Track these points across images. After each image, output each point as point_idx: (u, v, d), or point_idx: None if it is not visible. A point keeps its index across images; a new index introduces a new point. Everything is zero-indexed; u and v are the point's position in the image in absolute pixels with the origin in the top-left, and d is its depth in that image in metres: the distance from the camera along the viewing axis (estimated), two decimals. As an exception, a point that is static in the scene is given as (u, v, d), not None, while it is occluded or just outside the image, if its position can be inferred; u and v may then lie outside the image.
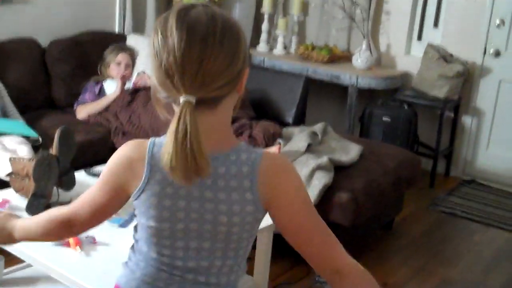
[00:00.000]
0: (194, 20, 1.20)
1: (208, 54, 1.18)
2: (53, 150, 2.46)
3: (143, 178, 1.27)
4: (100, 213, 1.39)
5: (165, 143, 1.19)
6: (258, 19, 5.32)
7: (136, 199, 1.29)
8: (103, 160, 3.11)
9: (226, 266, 1.35)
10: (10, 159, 2.54)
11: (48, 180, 2.40)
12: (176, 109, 1.21)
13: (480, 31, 4.58)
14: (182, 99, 1.18)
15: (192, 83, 1.18)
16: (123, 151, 1.32)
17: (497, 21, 4.52)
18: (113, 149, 3.75)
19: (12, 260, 2.53)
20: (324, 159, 3.08)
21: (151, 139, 1.30)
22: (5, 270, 2.60)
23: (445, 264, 3.42)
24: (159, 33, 1.21)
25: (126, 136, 3.65)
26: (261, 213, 1.31)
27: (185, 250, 1.32)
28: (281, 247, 2.66)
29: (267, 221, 2.36)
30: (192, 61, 1.17)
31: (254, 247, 2.71)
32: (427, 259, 3.45)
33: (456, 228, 3.93)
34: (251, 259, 2.89)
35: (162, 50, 1.19)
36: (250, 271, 2.70)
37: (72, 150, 2.52)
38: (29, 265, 2.64)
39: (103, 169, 1.36)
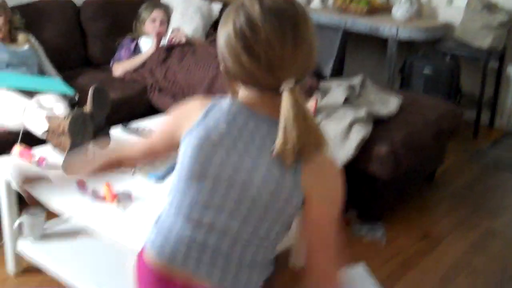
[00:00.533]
0: (278, 8, 1.23)
1: (300, 40, 1.23)
2: (87, 107, 2.47)
3: (196, 121, 1.32)
4: (151, 151, 1.50)
5: (284, 130, 1.22)
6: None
7: (183, 140, 1.34)
8: (140, 116, 3.16)
9: (252, 244, 1.33)
10: (46, 117, 2.56)
11: (83, 137, 2.41)
12: (262, 93, 1.28)
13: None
14: (286, 86, 1.22)
15: (291, 70, 1.22)
16: (187, 103, 1.39)
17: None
18: (149, 106, 3.77)
19: (52, 213, 2.58)
20: (361, 112, 3.02)
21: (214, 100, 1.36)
22: (46, 225, 2.65)
23: (488, 216, 3.34)
24: (244, 25, 1.22)
25: (162, 92, 3.64)
26: (298, 197, 1.29)
27: (210, 205, 1.32)
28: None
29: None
30: (288, 50, 1.21)
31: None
32: (470, 211, 3.38)
33: (499, 180, 3.84)
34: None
35: (254, 44, 1.21)
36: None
37: (106, 107, 2.52)
38: (69, 219, 2.70)
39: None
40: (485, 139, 4.43)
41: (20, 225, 2.56)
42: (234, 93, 1.34)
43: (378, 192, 3.09)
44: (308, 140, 1.23)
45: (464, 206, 3.44)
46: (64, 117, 2.50)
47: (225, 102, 1.32)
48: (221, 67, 1.31)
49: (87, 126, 2.40)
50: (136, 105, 3.56)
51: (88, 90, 3.46)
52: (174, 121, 1.40)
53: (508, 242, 3.10)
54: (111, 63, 3.95)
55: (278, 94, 1.23)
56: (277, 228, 1.32)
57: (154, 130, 1.51)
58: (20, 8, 3.67)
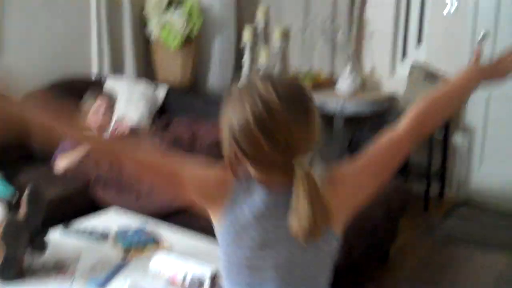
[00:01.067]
0: (293, 94, 1.36)
1: (312, 122, 1.37)
2: (22, 212, 2.35)
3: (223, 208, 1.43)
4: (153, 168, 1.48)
5: (298, 207, 1.32)
6: (238, 52, 5.24)
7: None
8: (81, 214, 3.02)
9: None
10: (-21, 224, 2.43)
11: (19, 244, 2.29)
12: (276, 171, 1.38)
13: (464, 45, 4.49)
14: (298, 162, 1.33)
15: (304, 149, 1.35)
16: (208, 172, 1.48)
17: (481, 34, 4.43)
18: (91, 203, 3.60)
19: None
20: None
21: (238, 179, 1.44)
22: None
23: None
24: (264, 113, 1.31)
25: (107, 186, 3.53)
26: (336, 240, 1.55)
27: None
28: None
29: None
30: (304, 133, 1.35)
31: None
32: (426, 291, 3.34)
33: (454, 253, 3.82)
34: None
35: (274, 130, 1.31)
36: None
37: (42, 209, 2.41)
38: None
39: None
40: (436, 210, 4.44)
41: None
42: (236, 175, 1.42)
43: (332, 282, 3.00)
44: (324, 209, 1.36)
45: (421, 286, 3.38)
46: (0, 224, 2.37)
47: (256, 193, 1.41)
48: (228, 150, 1.38)
49: (22, 232, 2.28)
50: (79, 202, 3.44)
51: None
52: (192, 180, 1.45)
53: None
54: (53, 157, 3.80)
55: (287, 170, 1.34)
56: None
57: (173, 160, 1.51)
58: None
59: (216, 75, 5.12)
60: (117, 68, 4.73)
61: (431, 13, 4.63)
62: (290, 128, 1.31)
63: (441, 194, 4.69)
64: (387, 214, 3.24)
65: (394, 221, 3.43)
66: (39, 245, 2.41)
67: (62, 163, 3.73)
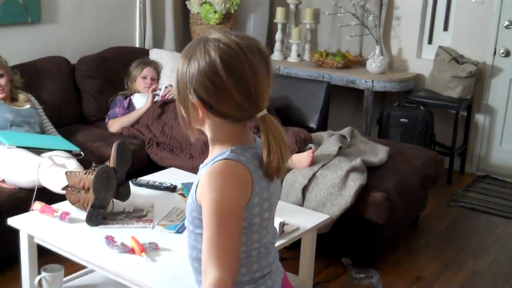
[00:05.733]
0: (252, 44, 1.39)
1: (271, 72, 1.42)
2: (111, 163, 2.59)
3: (252, 191, 1.41)
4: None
5: (268, 152, 1.41)
6: (271, 29, 5.48)
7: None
8: (139, 171, 3.26)
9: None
10: (66, 173, 2.67)
11: (106, 192, 2.52)
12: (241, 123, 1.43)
13: (489, 32, 4.74)
14: (262, 114, 1.40)
15: (266, 99, 1.41)
16: (232, 186, 1.37)
17: (506, 22, 4.69)
18: (148, 160, 3.84)
19: (71, 266, 2.66)
20: (357, 161, 3.23)
21: (235, 158, 1.40)
22: (65, 278, 2.73)
23: (472, 257, 3.56)
24: (233, 61, 1.35)
25: (160, 147, 3.78)
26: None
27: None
28: (318, 246, 2.82)
29: (312, 221, 2.49)
30: (267, 81, 1.40)
31: (297, 247, 2.85)
32: (454, 253, 3.60)
33: (478, 222, 4.08)
34: (287, 259, 3.06)
35: (244, 76, 1.35)
36: (295, 271, 2.85)
37: (128, 163, 2.65)
38: (88, 272, 2.78)
39: (218, 207, 1.36)
40: (458, 183, 4.71)
41: (40, 281, 2.62)
42: (193, 130, 1.46)
43: (373, 238, 3.27)
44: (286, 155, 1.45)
45: (448, 249, 3.65)
46: (85, 173, 2.61)
47: (247, 154, 1.43)
48: (193, 100, 1.38)
49: (111, 182, 2.52)
50: (136, 159, 3.68)
51: (88, 146, 3.61)
52: (241, 202, 1.40)
53: (494, 282, 3.32)
54: (106, 120, 4.08)
55: (246, 123, 1.43)
56: None
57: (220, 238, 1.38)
58: (19, 67, 3.78)
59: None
60: (158, 41, 4.96)
61: (457, 0, 4.85)
62: (255, 73, 1.35)
63: (462, 168, 4.97)
64: (423, 180, 3.49)
65: (426, 189, 3.69)
66: (123, 194, 2.66)
67: (115, 125, 3.99)
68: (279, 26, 5.30)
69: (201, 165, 1.47)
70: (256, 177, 1.42)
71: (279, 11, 5.25)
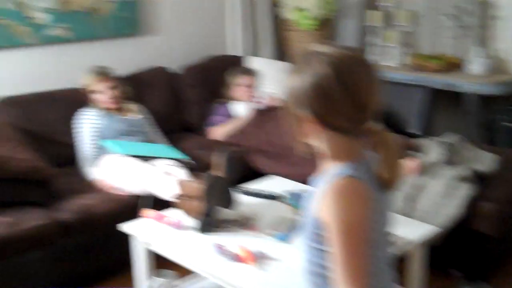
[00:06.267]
0: (358, 54, 1.43)
1: (379, 83, 1.43)
2: (220, 172, 2.65)
3: (374, 208, 1.42)
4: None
5: (383, 165, 1.45)
6: (365, 33, 5.43)
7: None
8: (241, 178, 3.30)
9: None
10: (178, 182, 2.75)
11: (217, 200, 2.58)
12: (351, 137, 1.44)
13: None
14: (374, 125, 1.43)
15: (376, 110, 1.42)
16: (359, 205, 1.38)
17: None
18: (250, 168, 3.87)
19: (181, 272, 2.74)
20: (466, 170, 3.14)
21: (356, 176, 1.40)
22: (176, 283, 2.81)
23: None
24: (344, 71, 1.37)
25: (261, 154, 3.82)
26: None
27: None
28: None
29: (423, 234, 2.41)
30: (376, 92, 1.42)
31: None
32: None
33: None
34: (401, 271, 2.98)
35: (360, 90, 1.38)
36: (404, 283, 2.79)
37: (235, 172, 2.70)
38: (198, 278, 2.85)
39: (348, 228, 1.37)
40: None
41: (152, 286, 2.72)
42: (304, 144, 1.47)
43: (484, 250, 3.17)
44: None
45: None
46: (196, 182, 2.68)
47: (363, 169, 1.44)
48: (303, 114, 1.39)
49: (221, 191, 2.58)
50: (238, 167, 3.73)
51: (193, 154, 3.70)
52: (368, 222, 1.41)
53: None
54: (207, 128, 4.16)
55: (357, 136, 1.42)
56: None
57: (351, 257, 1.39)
58: (125, 79, 3.94)
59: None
60: (254, 49, 5.02)
61: None
62: (367, 85, 1.37)
63: None
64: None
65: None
66: (231, 203, 2.71)
67: (218, 133, 4.07)
68: (374, 29, 5.24)
69: (314, 178, 1.48)
70: (375, 193, 1.42)
71: (374, 15, 5.19)
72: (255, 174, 3.68)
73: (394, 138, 1.46)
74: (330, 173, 1.44)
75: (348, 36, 5.28)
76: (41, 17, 3.75)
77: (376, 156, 1.44)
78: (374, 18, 5.20)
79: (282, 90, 1.48)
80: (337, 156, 1.45)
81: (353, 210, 1.36)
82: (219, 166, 2.67)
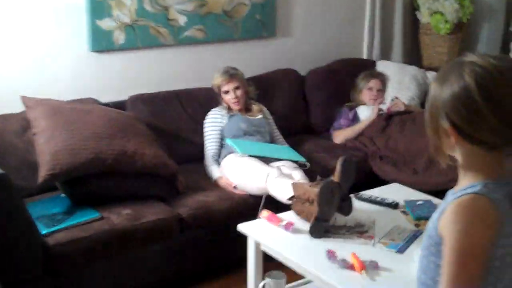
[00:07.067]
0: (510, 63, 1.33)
1: None
2: (335, 178, 2.63)
3: (499, 232, 1.33)
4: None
5: None
6: (506, 38, 5.14)
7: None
8: (361, 184, 3.27)
9: None
10: (292, 184, 2.77)
11: (330, 205, 2.57)
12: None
13: None
14: None
15: None
16: (478, 225, 1.30)
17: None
18: (371, 173, 3.84)
19: (291, 274, 2.75)
20: None
21: (486, 194, 1.32)
22: (286, 286, 2.83)
23: None
24: (488, 80, 1.30)
25: (383, 160, 3.76)
26: None
27: None
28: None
29: None
30: None
31: None
32: None
33: None
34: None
35: (498, 95, 1.29)
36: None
37: (352, 178, 2.67)
38: (307, 282, 2.86)
39: (461, 246, 1.31)
40: None
41: (263, 286, 2.75)
42: (445, 156, 1.40)
43: None
44: None
45: None
46: (310, 185, 2.69)
47: (500, 190, 1.35)
48: (445, 125, 1.35)
49: (335, 196, 2.56)
50: (359, 172, 3.69)
51: (313, 157, 3.71)
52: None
53: None
54: (330, 131, 4.16)
55: (502, 152, 1.33)
56: None
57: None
58: (253, 79, 4.02)
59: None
60: (385, 52, 4.93)
61: None
62: None
63: None
64: None
65: None
66: (346, 209, 2.69)
67: (340, 137, 4.05)
68: (517, 35, 4.96)
69: (450, 191, 1.43)
70: (508, 218, 1.34)
71: (517, 19, 4.91)
72: (376, 180, 3.62)
73: None
74: (462, 188, 1.38)
75: (486, 41, 5.04)
76: (180, 18, 3.91)
77: None
78: (517, 22, 4.92)
79: (425, 98, 1.44)
80: (474, 171, 1.38)
81: (472, 230, 1.29)
82: (336, 170, 2.66)
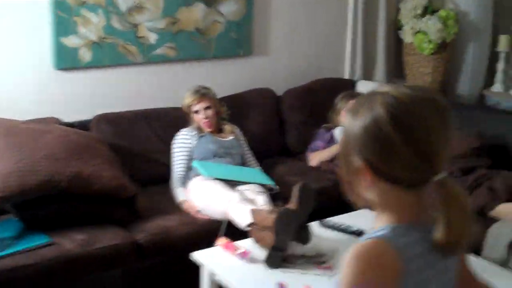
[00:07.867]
0: (425, 93, 1.23)
1: (450, 127, 1.22)
2: (293, 205, 2.51)
3: (400, 283, 1.19)
4: None
5: (446, 225, 1.19)
6: (492, 58, 5.02)
7: None
8: (334, 210, 3.14)
9: None
10: (251, 210, 2.65)
11: (287, 234, 2.46)
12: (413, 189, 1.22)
13: None
14: (440, 177, 1.19)
15: (443, 160, 1.20)
16: (370, 275, 1.17)
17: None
18: (343, 199, 3.71)
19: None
20: None
21: (389, 240, 1.20)
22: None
23: None
24: (400, 112, 1.19)
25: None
26: None
27: None
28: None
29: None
30: (444, 138, 1.20)
31: None
32: None
33: None
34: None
35: (412, 129, 1.18)
36: None
37: (310, 205, 2.55)
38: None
39: None
40: None
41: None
42: (359, 197, 1.28)
43: None
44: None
45: None
46: (269, 212, 2.57)
47: (413, 234, 1.22)
48: (346, 170, 1.25)
49: (292, 224, 2.45)
50: (331, 196, 3.57)
51: (286, 180, 3.59)
52: None
53: None
54: (306, 153, 4.03)
55: (420, 191, 1.21)
56: None
57: None
58: (227, 99, 3.91)
59: (466, 83, 4.97)
60: (367, 72, 4.82)
61: None
62: (429, 127, 1.17)
63: None
64: None
65: None
66: (304, 238, 2.57)
67: (315, 159, 3.92)
68: (502, 55, 4.83)
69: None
70: (414, 266, 1.20)
71: (503, 39, 4.79)
72: (348, 206, 3.48)
73: (464, 193, 1.22)
74: (374, 230, 1.26)
75: (474, 61, 4.92)
76: (150, 36, 3.81)
77: (440, 213, 1.21)
78: (503, 42, 4.80)
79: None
80: (389, 211, 1.25)
81: (364, 278, 1.16)
82: (292, 197, 2.54)
